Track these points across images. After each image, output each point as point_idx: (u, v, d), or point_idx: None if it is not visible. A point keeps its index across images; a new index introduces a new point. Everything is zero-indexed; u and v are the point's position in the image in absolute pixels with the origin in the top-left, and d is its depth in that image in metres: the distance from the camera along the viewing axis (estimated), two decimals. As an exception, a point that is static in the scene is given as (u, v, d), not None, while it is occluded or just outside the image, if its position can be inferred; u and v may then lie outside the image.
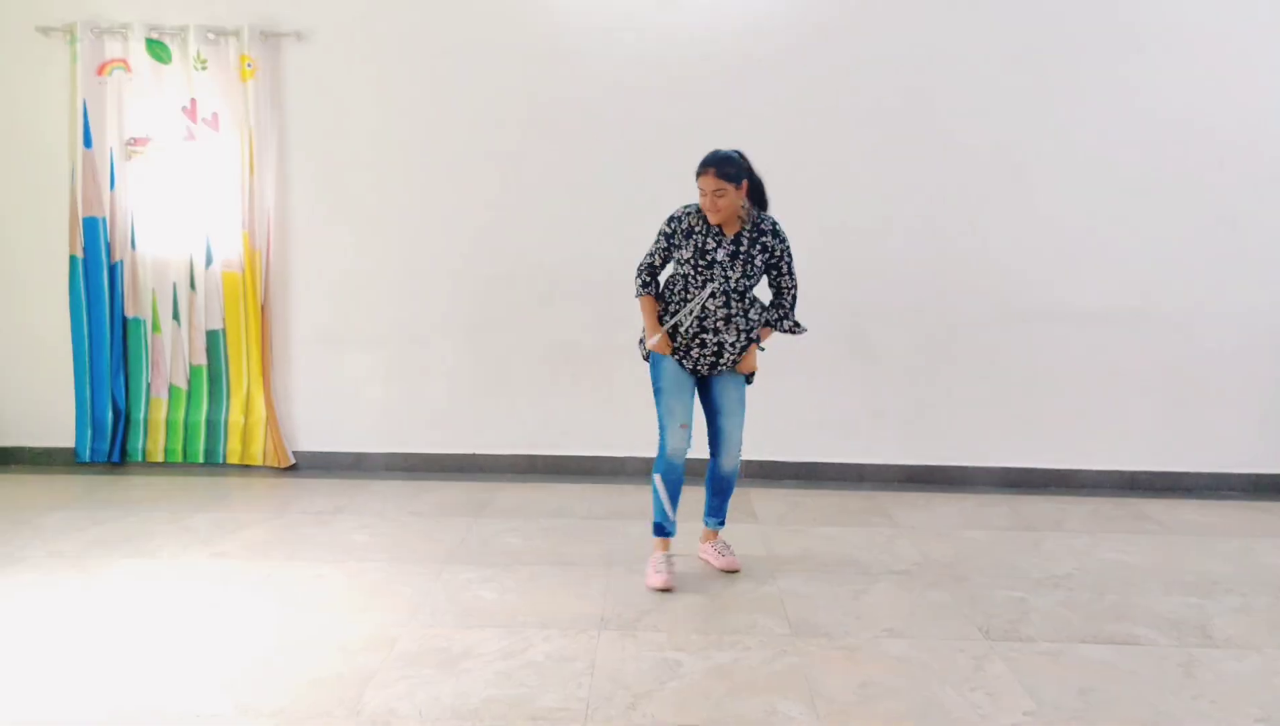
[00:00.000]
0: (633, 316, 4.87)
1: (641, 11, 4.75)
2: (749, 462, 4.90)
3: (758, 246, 3.45)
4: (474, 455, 5.06)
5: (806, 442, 4.88)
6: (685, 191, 4.68)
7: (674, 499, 3.57)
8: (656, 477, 3.55)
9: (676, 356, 3.52)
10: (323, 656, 2.87)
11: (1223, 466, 4.95)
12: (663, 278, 3.64)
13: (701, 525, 3.82)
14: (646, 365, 4.93)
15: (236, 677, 2.72)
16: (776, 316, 3.57)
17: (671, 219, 3.52)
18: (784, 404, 4.86)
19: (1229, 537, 4.19)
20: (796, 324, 3.60)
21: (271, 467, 5.00)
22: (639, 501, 4.56)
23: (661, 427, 3.54)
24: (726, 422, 3.56)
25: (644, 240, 4.77)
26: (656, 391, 3.57)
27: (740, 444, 3.60)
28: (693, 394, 3.56)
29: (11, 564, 3.60)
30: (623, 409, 4.99)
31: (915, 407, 4.97)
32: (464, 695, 2.64)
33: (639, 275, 3.59)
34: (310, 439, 5.08)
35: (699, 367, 3.52)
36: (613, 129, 4.83)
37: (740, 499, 4.57)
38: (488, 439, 5.05)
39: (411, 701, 2.60)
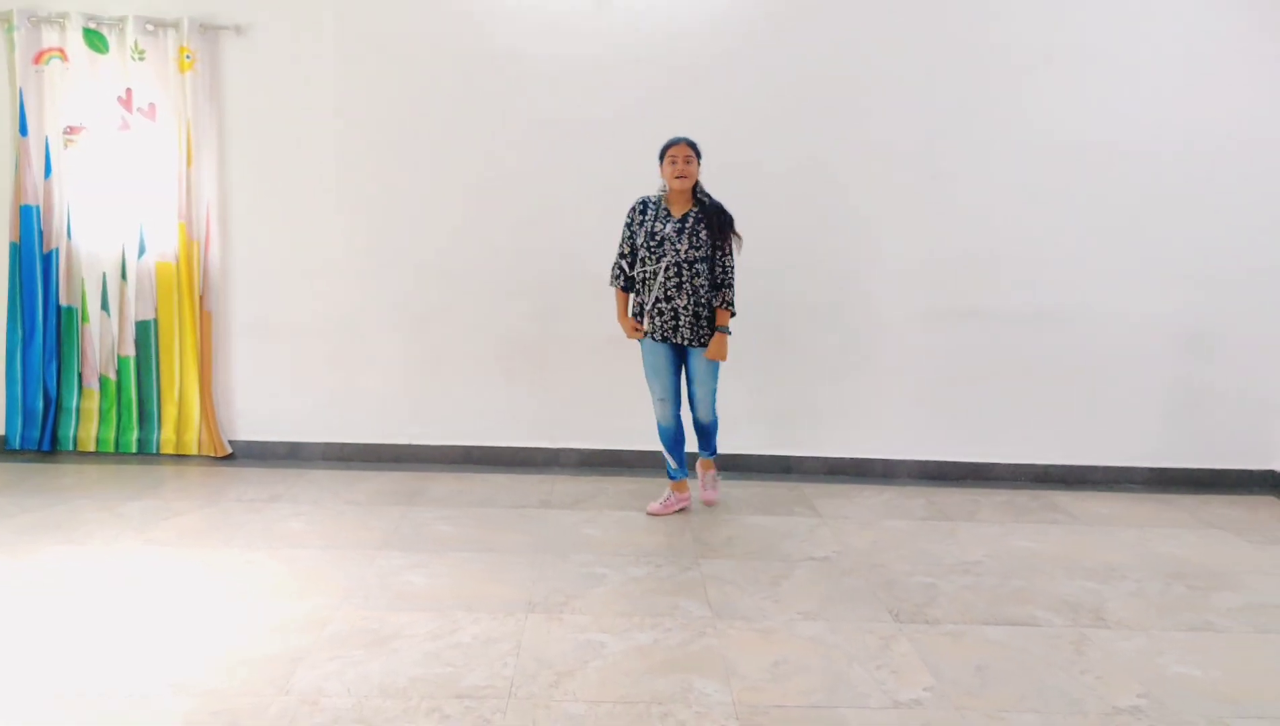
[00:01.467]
0: (570, 309, 5.04)
1: (579, 14, 4.85)
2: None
3: (702, 223, 4.09)
4: (409, 445, 5.12)
5: (736, 435, 5.03)
6: (624, 187, 4.86)
7: (673, 451, 4.35)
8: (659, 436, 4.35)
9: (643, 333, 4.18)
10: (255, 638, 2.94)
11: (1127, 460, 5.19)
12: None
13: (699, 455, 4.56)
14: (581, 359, 5.14)
15: (168, 658, 2.79)
16: (722, 299, 4.12)
17: (630, 211, 4.22)
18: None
19: (1129, 527, 4.42)
20: (729, 301, 4.15)
21: (206, 457, 5.01)
22: (572, 491, 4.68)
23: (652, 400, 4.32)
24: (697, 389, 4.27)
25: (584, 235, 4.96)
26: (645, 372, 4.29)
27: (711, 403, 4.30)
28: (673, 371, 4.24)
29: (-61, 549, 3.60)
30: (559, 401, 5.11)
31: (840, 402, 5.13)
32: (392, 674, 2.74)
33: (612, 270, 4.27)
34: (247, 428, 5.11)
35: (666, 335, 4.12)
36: (554, 127, 4.92)
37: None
38: (423, 429, 5.13)
39: (341, 680, 2.69)
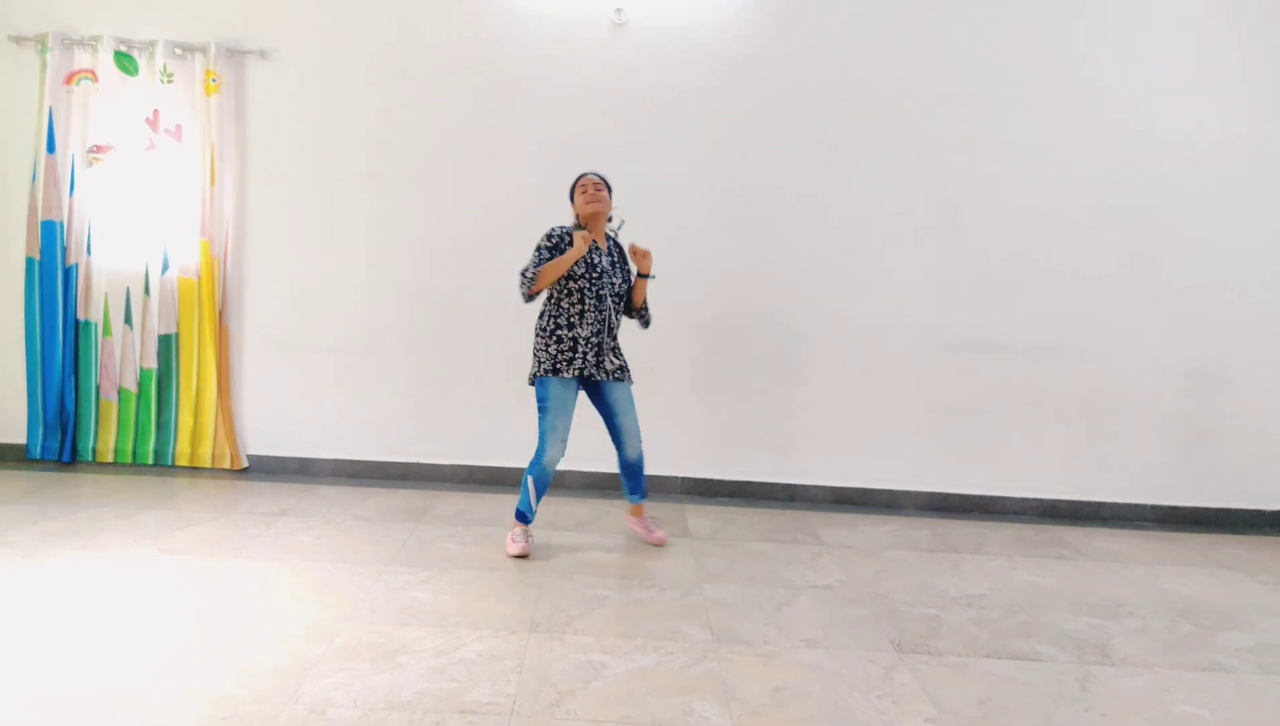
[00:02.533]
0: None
1: (593, 40, 4.95)
2: (685, 479, 5.08)
3: (619, 253, 4.10)
4: (417, 464, 5.17)
5: (741, 462, 5.06)
6: (635, 210, 4.91)
7: (540, 496, 4.06)
8: (529, 478, 4.02)
9: (574, 370, 3.94)
10: (265, 647, 2.98)
11: (1136, 497, 5.18)
12: (540, 299, 4.09)
13: (627, 503, 4.33)
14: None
15: (181, 664, 2.83)
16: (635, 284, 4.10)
17: (550, 236, 3.97)
18: (720, 424, 5.06)
19: (1137, 564, 4.41)
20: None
21: (220, 469, 5.08)
22: (576, 513, 4.71)
23: (542, 439, 3.96)
24: (623, 420, 4.10)
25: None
26: (541, 409, 3.97)
27: (638, 435, 4.14)
28: (572, 412, 4.00)
29: (-41, 554, 3.66)
30: (568, 425, 5.14)
31: (846, 431, 5.14)
32: (398, 687, 2.77)
33: (522, 276, 3.88)
34: (258, 443, 5.17)
35: (586, 371, 3.96)
36: (566, 150, 4.99)
37: (674, 514, 4.75)
38: (431, 448, 5.18)
39: (348, 691, 2.72)
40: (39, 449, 4.99)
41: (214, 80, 4.86)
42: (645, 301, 4.15)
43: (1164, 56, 4.97)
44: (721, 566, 4.05)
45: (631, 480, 4.23)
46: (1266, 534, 5.10)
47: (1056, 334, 5.09)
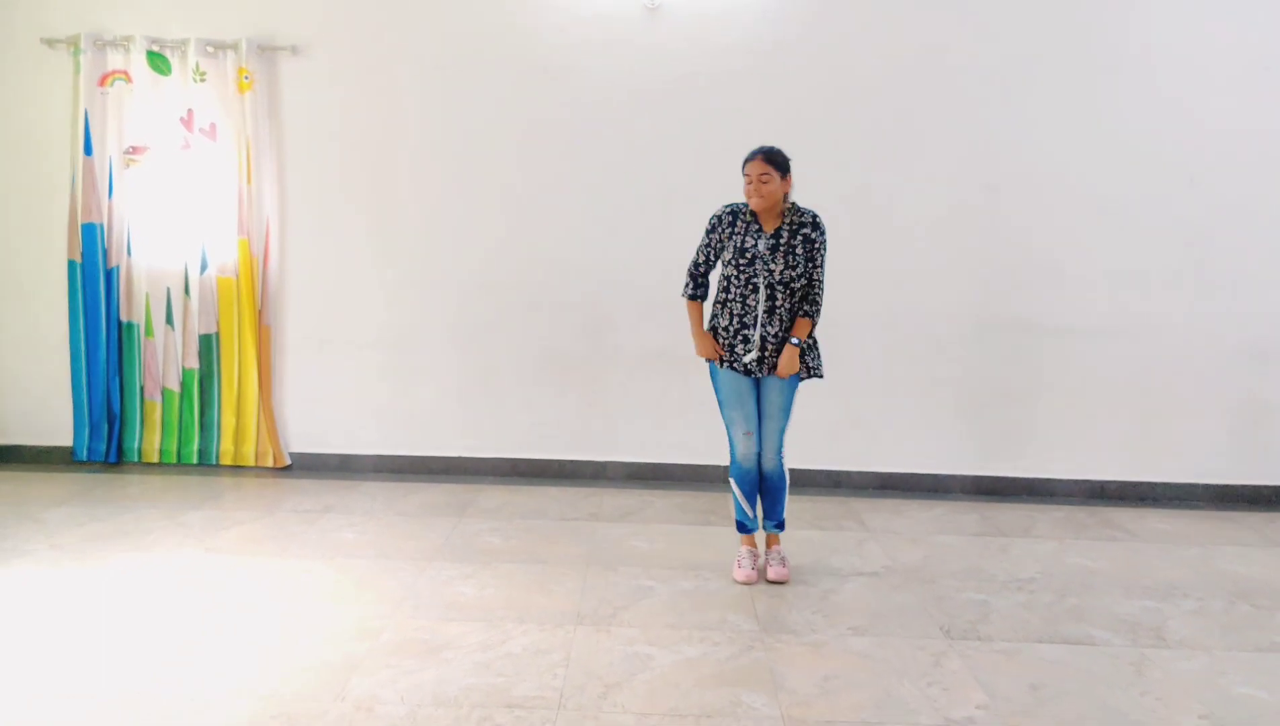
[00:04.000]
0: (619, 323, 5.06)
1: (628, 29, 4.89)
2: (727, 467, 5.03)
3: (799, 237, 3.58)
4: (459, 458, 5.17)
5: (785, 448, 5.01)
6: (676, 199, 4.88)
7: (750, 499, 3.76)
8: (732, 480, 3.76)
9: (725, 361, 3.66)
10: (312, 645, 3.00)
11: (1189, 477, 5.06)
12: (713, 278, 3.78)
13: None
14: (630, 373, 5.03)
15: (229, 662, 2.86)
16: (809, 309, 3.65)
17: (712, 217, 3.68)
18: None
19: (1191, 545, 4.31)
20: (816, 314, 3.68)
21: (263, 468, 5.11)
22: (619, 504, 4.69)
23: (729, 436, 3.72)
24: (766, 425, 3.70)
25: (633, 248, 4.98)
26: (719, 402, 3.73)
27: (779, 447, 3.72)
28: (755, 400, 3.68)
29: (17, 556, 3.73)
30: (605, 414, 5.13)
31: (890, 416, 5.08)
32: (444, 683, 2.77)
33: (686, 278, 3.76)
34: (300, 441, 5.21)
35: (750, 367, 3.63)
36: (603, 141, 4.96)
37: (718, 503, 4.71)
38: (472, 442, 5.17)
39: (394, 688, 2.73)
40: (85, 451, 5.06)
41: (246, 78, 4.87)
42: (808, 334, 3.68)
43: (1217, 34, 4.82)
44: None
45: (766, 500, 3.77)
46: (1324, 511, 4.97)
47: (1105, 315, 4.97)
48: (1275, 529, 4.60)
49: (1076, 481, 5.08)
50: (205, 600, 3.34)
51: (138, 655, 2.90)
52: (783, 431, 3.71)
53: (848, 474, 5.12)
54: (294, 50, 4.94)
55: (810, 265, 3.61)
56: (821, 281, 3.66)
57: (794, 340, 3.61)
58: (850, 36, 4.90)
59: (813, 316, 3.65)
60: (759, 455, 3.72)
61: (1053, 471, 5.08)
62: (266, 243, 5.02)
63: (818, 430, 5.07)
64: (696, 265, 3.73)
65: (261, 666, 2.84)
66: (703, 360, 3.78)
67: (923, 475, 5.10)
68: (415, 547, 3.97)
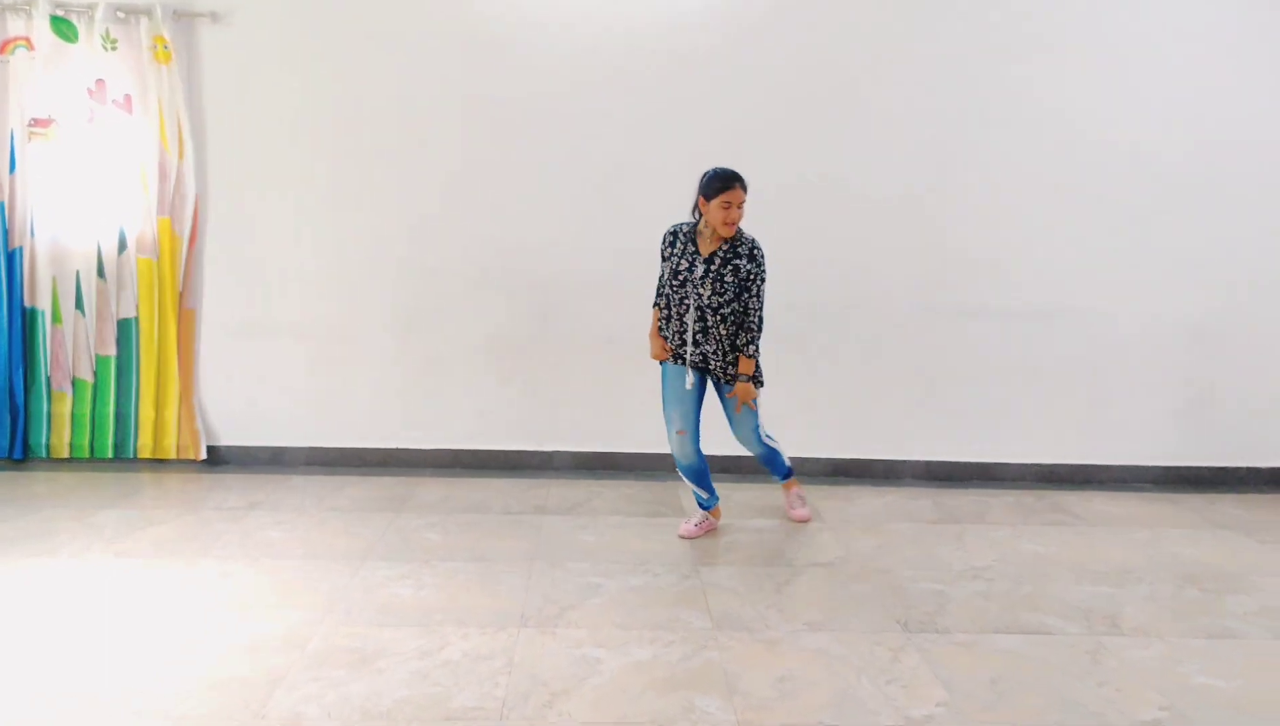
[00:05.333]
0: (565, 308, 4.90)
1: (579, 3, 4.69)
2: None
3: (729, 267, 3.68)
4: (397, 450, 4.96)
5: (732, 436, 4.89)
6: (626, 181, 4.73)
7: (700, 482, 3.96)
8: (678, 470, 3.97)
9: (678, 358, 3.82)
10: (229, 657, 2.78)
11: (1134, 459, 5.08)
12: None
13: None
14: (578, 359, 4.95)
15: (136, 681, 2.63)
16: (744, 339, 3.76)
17: (663, 239, 3.84)
18: (711, 398, 4.86)
19: (1140, 528, 4.31)
20: (751, 343, 3.80)
21: (186, 461, 4.84)
22: (566, 496, 4.54)
23: (667, 432, 3.90)
24: (738, 431, 3.97)
25: (578, 231, 4.83)
26: (663, 398, 3.90)
27: (757, 438, 3.98)
28: (696, 399, 3.84)
29: (-98, 563, 3.43)
30: (552, 402, 4.96)
31: (842, 402, 5.00)
32: (376, 696, 2.58)
33: (656, 293, 3.95)
34: (227, 433, 4.93)
35: (695, 362, 3.79)
36: (551, 119, 4.76)
37: (667, 493, 4.58)
38: (411, 433, 4.96)
39: (320, 703, 2.53)
40: (-12, 447, 4.73)
41: (165, 46, 4.56)
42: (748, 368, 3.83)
43: (1158, 17, 4.81)
44: (719, 546, 3.89)
45: (769, 466, 4.21)
46: (1263, 491, 5.03)
47: (1054, 297, 4.95)
48: (1217, 510, 4.64)
49: (1027, 465, 5.05)
50: (111, 610, 3.09)
51: (27, 673, 2.65)
52: (756, 428, 3.94)
53: (799, 460, 4.98)
54: (214, 17, 4.63)
55: (745, 295, 3.72)
56: (758, 309, 3.77)
57: (742, 377, 3.78)
58: (801, 21, 4.76)
59: (747, 348, 3.77)
60: (745, 446, 4.04)
61: (1004, 455, 5.05)
62: (194, 222, 4.73)
63: (768, 417, 4.96)
64: (659, 287, 3.92)
65: (171, 683, 2.61)
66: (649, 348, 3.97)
67: (874, 461, 5.03)
68: (348, 546, 3.76)
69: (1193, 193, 4.91)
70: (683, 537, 3.95)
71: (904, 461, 5.04)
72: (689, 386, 3.81)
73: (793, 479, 4.27)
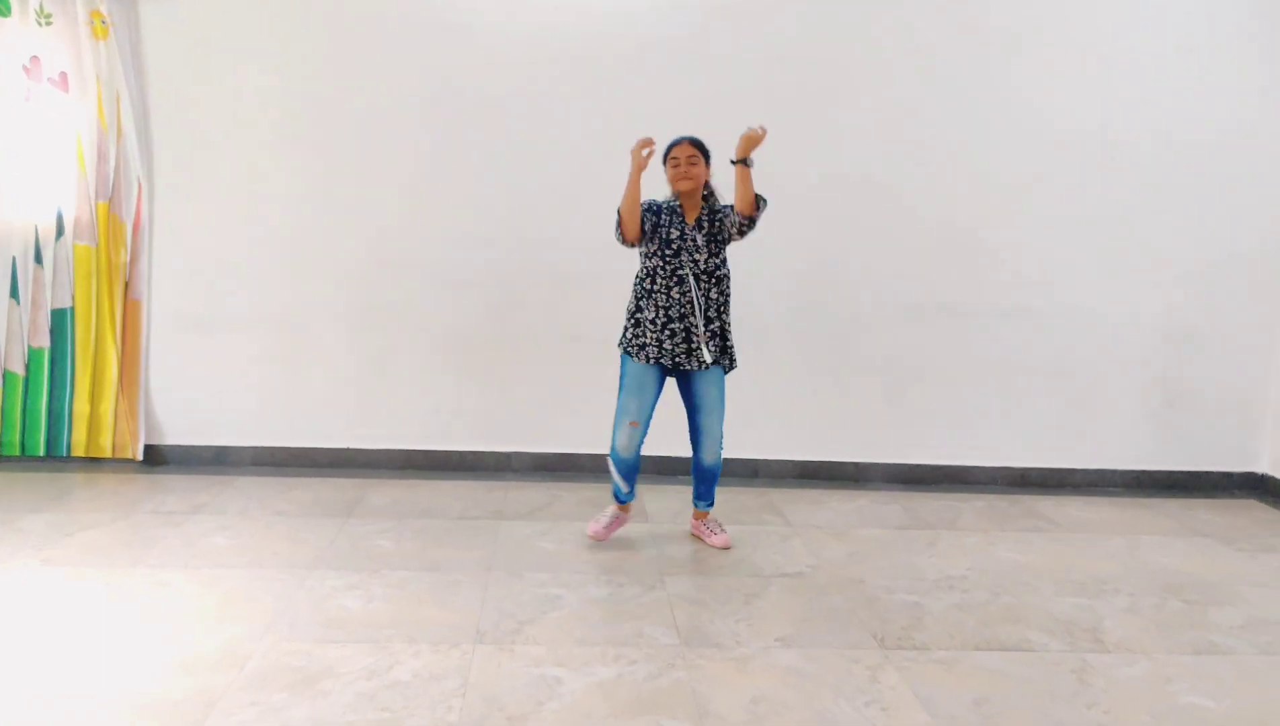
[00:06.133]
0: (525, 302, 4.71)
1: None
2: (641, 458, 4.75)
3: (715, 221, 3.62)
4: (349, 450, 4.77)
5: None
6: (584, 170, 4.56)
7: (627, 478, 3.79)
8: (610, 462, 3.79)
9: (647, 356, 3.65)
10: (161, 678, 2.56)
11: (1107, 463, 5.03)
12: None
13: (691, 507, 4.01)
14: (539, 357, 4.72)
15: (55, 704, 2.40)
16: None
17: (647, 202, 3.66)
18: (675, 397, 4.72)
19: (1115, 535, 4.23)
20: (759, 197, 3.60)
21: (124, 461, 4.60)
22: (525, 499, 4.38)
23: (615, 421, 3.73)
24: (705, 419, 3.73)
25: (541, 222, 4.66)
26: (620, 387, 3.73)
27: (719, 439, 3.76)
28: (654, 395, 3.72)
29: None
30: (511, 401, 4.81)
31: (809, 401, 4.90)
32: (319, 722, 2.38)
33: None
34: (169, 431, 4.71)
35: (676, 360, 3.64)
36: (513, 106, 4.61)
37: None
38: (364, 432, 4.77)
39: (257, 730, 2.33)
40: (-90, 444, 4.46)
41: (103, 22, 4.31)
42: (755, 200, 3.55)
43: (1137, 19, 4.79)
44: (685, 554, 3.73)
45: (702, 484, 3.87)
46: (1236, 496, 5.01)
47: (1027, 297, 4.89)
48: (1193, 516, 4.58)
49: (998, 468, 4.99)
50: (32, 625, 2.86)
51: (-56, 697, 2.42)
52: (720, 423, 3.75)
53: (765, 463, 4.90)
54: (155, -8, 4.40)
55: (733, 225, 3.60)
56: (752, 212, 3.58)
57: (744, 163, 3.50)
58: (773, 13, 4.66)
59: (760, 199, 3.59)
60: (698, 452, 3.80)
61: (975, 459, 4.98)
62: (138, 208, 4.51)
63: (733, 417, 4.79)
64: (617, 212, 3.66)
65: (95, 710, 2.39)
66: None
67: (843, 463, 4.93)
68: (294, 553, 3.55)
69: (1168, 195, 4.88)
70: (593, 538, 3.78)
71: (873, 463, 4.95)
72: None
73: (709, 510, 3.96)
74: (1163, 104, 4.82)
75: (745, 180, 3.50)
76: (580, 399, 4.73)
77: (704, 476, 3.83)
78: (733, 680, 2.71)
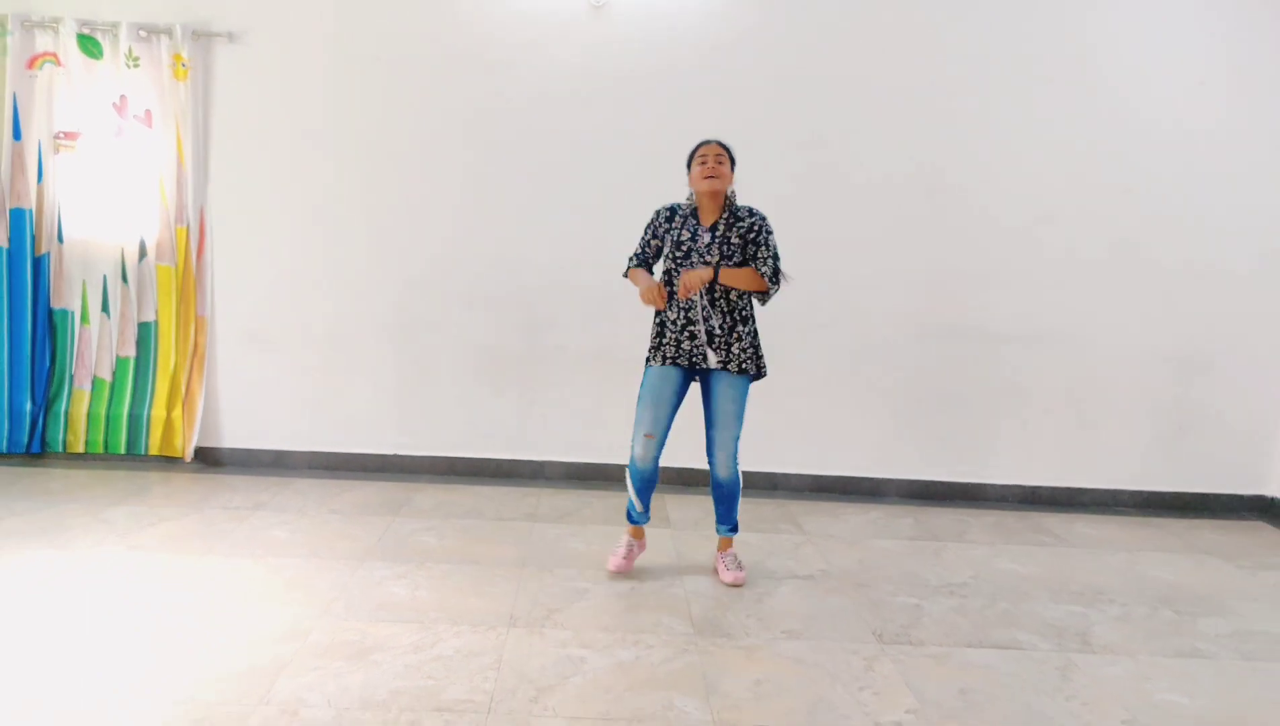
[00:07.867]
0: (558, 321, 5.01)
1: (572, 23, 4.85)
2: (666, 469, 5.02)
3: (735, 230, 3.57)
4: (395, 456, 5.10)
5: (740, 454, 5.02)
6: (614, 198, 4.84)
7: (642, 494, 3.71)
8: (627, 472, 3.73)
9: (664, 356, 3.64)
10: (236, 647, 2.92)
11: (1117, 483, 5.17)
12: (657, 271, 3.84)
13: (715, 534, 3.94)
14: (570, 372, 5.03)
15: (147, 666, 2.77)
16: (760, 268, 3.58)
17: (654, 213, 3.74)
18: (699, 412, 4.99)
19: (1117, 551, 4.40)
20: (777, 272, 3.61)
21: (194, 463, 5.00)
22: (556, 505, 4.66)
23: (634, 433, 3.65)
24: (719, 434, 3.64)
25: (572, 246, 4.95)
26: (639, 397, 3.67)
27: (733, 454, 3.64)
28: (672, 405, 3.64)
29: (-79, 553, 3.58)
30: (544, 413, 5.09)
31: (827, 418, 5.10)
32: (373, 686, 2.71)
33: (627, 264, 3.79)
34: (232, 436, 5.08)
35: (695, 361, 3.61)
36: (546, 138, 4.91)
37: (656, 505, 4.67)
38: (409, 440, 5.10)
39: (321, 691, 2.67)
40: (6, 442, 4.89)
41: (183, 65, 4.74)
42: (743, 285, 3.57)
43: (1155, 49, 4.93)
44: (703, 557, 4.01)
45: (721, 506, 3.77)
46: (1245, 518, 5.11)
47: (1040, 320, 5.05)
48: (1197, 535, 4.72)
49: (1009, 486, 5.16)
50: (123, 601, 3.24)
51: (46, 658, 2.80)
52: (736, 438, 3.65)
53: (785, 476, 5.14)
54: (230, 37, 4.81)
55: (754, 248, 3.57)
56: (769, 257, 3.58)
57: (719, 266, 3.53)
58: (793, 40, 4.90)
59: (759, 269, 3.57)
60: (712, 464, 3.70)
61: (987, 477, 5.16)
62: (201, 232, 4.90)
63: (755, 432, 5.04)
64: (633, 256, 3.79)
65: (181, 669, 2.76)
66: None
67: (859, 478, 5.14)
68: (348, 547, 3.90)
69: (1178, 221, 5.01)
70: (616, 571, 3.71)
71: (888, 479, 5.14)
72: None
73: (732, 539, 3.85)
74: (1178, 135, 4.95)
75: (730, 279, 3.55)
76: (607, 412, 4.99)
77: (720, 494, 3.74)
78: (740, 665, 3.00)
